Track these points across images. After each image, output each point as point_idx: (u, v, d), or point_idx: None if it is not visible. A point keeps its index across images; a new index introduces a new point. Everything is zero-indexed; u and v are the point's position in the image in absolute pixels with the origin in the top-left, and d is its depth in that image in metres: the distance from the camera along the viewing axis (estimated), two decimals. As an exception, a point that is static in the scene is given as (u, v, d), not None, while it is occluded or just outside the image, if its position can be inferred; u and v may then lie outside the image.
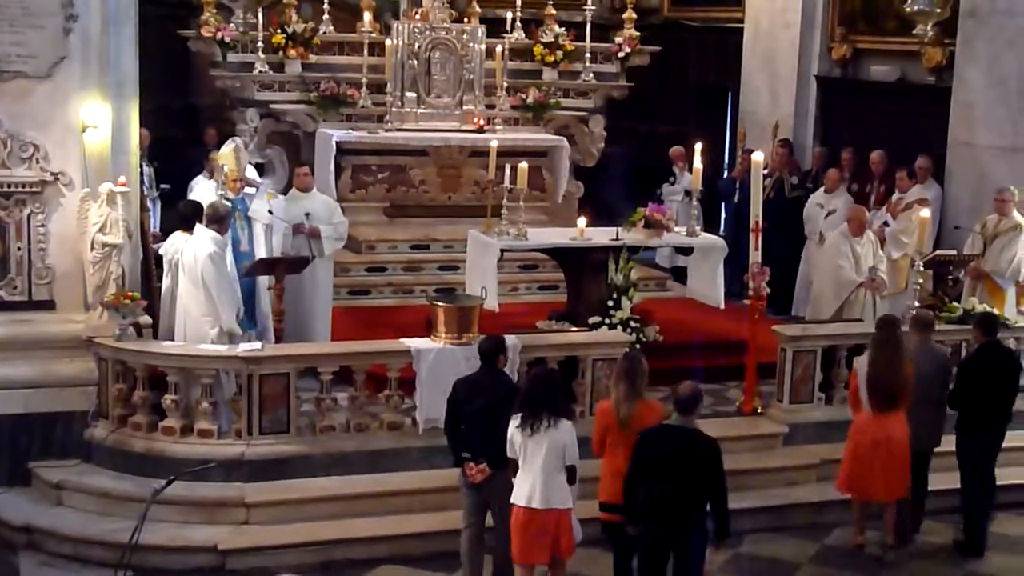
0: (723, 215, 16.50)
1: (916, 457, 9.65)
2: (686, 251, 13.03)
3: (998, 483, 10.09)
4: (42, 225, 10.12)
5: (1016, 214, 11.98)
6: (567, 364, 10.24)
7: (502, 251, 11.82)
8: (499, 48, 15.00)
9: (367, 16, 15.10)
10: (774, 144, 15.29)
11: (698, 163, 12.40)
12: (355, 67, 14.80)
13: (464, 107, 15.06)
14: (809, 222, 14.04)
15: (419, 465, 9.86)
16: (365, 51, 14.75)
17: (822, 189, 14.16)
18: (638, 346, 10.82)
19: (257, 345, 9.99)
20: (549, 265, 13.73)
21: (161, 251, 10.57)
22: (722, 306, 12.40)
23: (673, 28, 19.12)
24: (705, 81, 19.11)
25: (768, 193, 13.85)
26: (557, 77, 15.70)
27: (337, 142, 14.30)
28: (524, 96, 15.32)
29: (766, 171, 13.42)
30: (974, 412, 9.70)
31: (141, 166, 11.71)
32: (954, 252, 12.33)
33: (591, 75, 15.77)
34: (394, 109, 14.74)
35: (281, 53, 14.53)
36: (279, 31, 14.49)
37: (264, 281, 11.07)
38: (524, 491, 7.90)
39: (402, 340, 10.10)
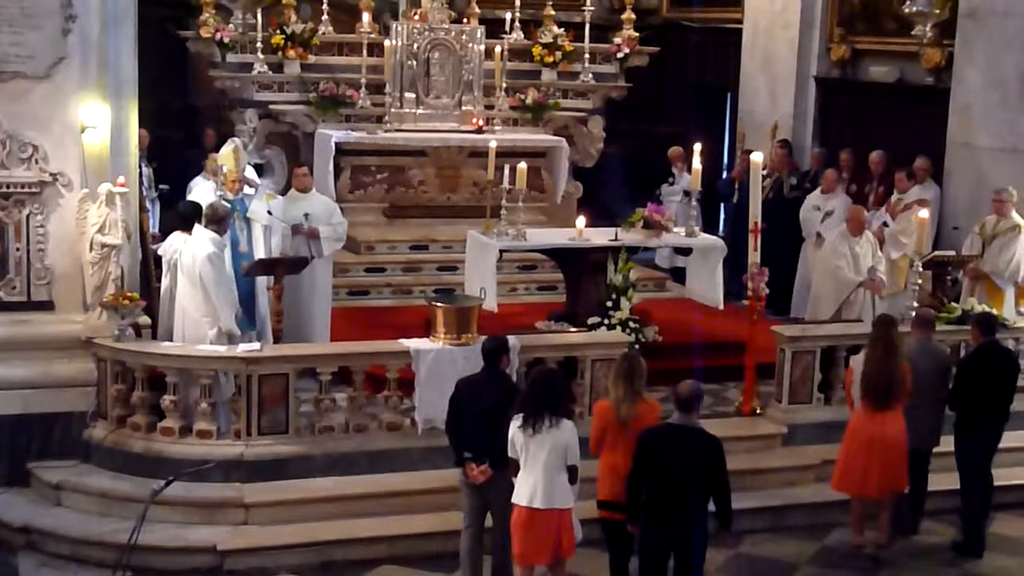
0: (722, 215, 16.51)
1: (915, 456, 9.68)
2: (685, 252, 13.05)
3: (998, 483, 10.12)
4: (41, 226, 10.11)
5: (1014, 215, 11.99)
6: (566, 365, 10.24)
7: (501, 252, 11.82)
8: (498, 49, 15.01)
9: (366, 17, 15.10)
10: (773, 144, 15.30)
11: (697, 164, 12.40)
12: (354, 68, 14.80)
13: (463, 108, 15.06)
14: (806, 224, 14.05)
15: (418, 466, 9.86)
16: (364, 52, 14.76)
17: (819, 190, 14.17)
18: (637, 346, 10.82)
19: (256, 346, 9.99)
20: (548, 266, 13.73)
21: (160, 252, 10.57)
22: (721, 307, 12.40)
23: (672, 29, 19.14)
24: (704, 82, 19.11)
25: (767, 194, 13.86)
26: (556, 78, 15.70)
27: (336, 143, 14.30)
28: (523, 97, 15.32)
29: (765, 172, 13.42)
30: (972, 411, 9.71)
31: (140, 166, 11.70)
32: (953, 253, 12.35)
33: (590, 76, 15.78)
34: (393, 110, 14.75)
35: (280, 54, 14.54)
36: (278, 32, 14.49)
37: (263, 281, 11.06)
38: (526, 491, 7.91)
39: (401, 341, 10.11)
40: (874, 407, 9.37)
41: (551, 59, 15.56)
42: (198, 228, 10.13)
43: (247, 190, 11.28)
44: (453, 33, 15.02)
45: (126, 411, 9.92)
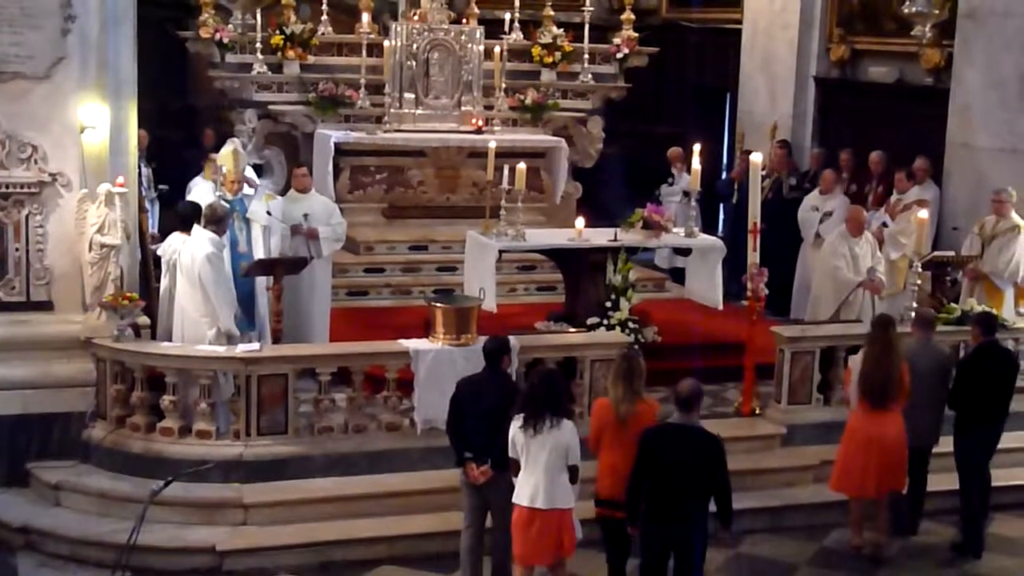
0: (721, 216, 16.51)
1: (914, 454, 9.68)
2: (684, 252, 13.05)
3: (997, 484, 10.11)
4: (40, 226, 10.11)
5: (1014, 215, 11.99)
6: (565, 365, 10.24)
7: (500, 252, 11.82)
8: (497, 49, 15.00)
9: (365, 17, 15.10)
10: (772, 145, 15.31)
11: (696, 164, 12.40)
12: (353, 68, 14.80)
13: (462, 108, 15.06)
14: (804, 224, 14.05)
15: (417, 466, 9.86)
16: (364, 52, 14.76)
17: (817, 191, 14.17)
18: (636, 347, 10.82)
19: (255, 346, 9.99)
20: (547, 266, 13.73)
21: (159, 252, 10.57)
22: (720, 307, 12.41)
23: (671, 29, 19.15)
24: (703, 82, 19.12)
25: (766, 194, 13.86)
26: (555, 78, 15.70)
27: (335, 143, 14.30)
28: (522, 97, 15.32)
29: (764, 172, 13.43)
30: (972, 411, 9.71)
31: (139, 167, 11.70)
32: (952, 253, 12.34)
33: (589, 76, 15.77)
34: (392, 110, 14.75)
35: (279, 54, 14.54)
36: (277, 32, 14.50)
37: (262, 282, 11.06)
38: (527, 491, 7.92)
39: (400, 341, 10.11)
40: (872, 407, 9.39)
41: (550, 59, 15.57)
42: (197, 228, 10.13)
43: (247, 190, 11.28)
44: (452, 33, 15.02)
45: (125, 411, 9.92)
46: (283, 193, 12.45)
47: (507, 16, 15.50)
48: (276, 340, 10.84)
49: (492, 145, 12.83)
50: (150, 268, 10.93)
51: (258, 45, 14.39)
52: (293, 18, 14.70)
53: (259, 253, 11.15)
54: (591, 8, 15.83)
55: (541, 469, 7.88)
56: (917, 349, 9.80)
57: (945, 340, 10.63)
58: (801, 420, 10.83)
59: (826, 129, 16.08)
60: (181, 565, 9.05)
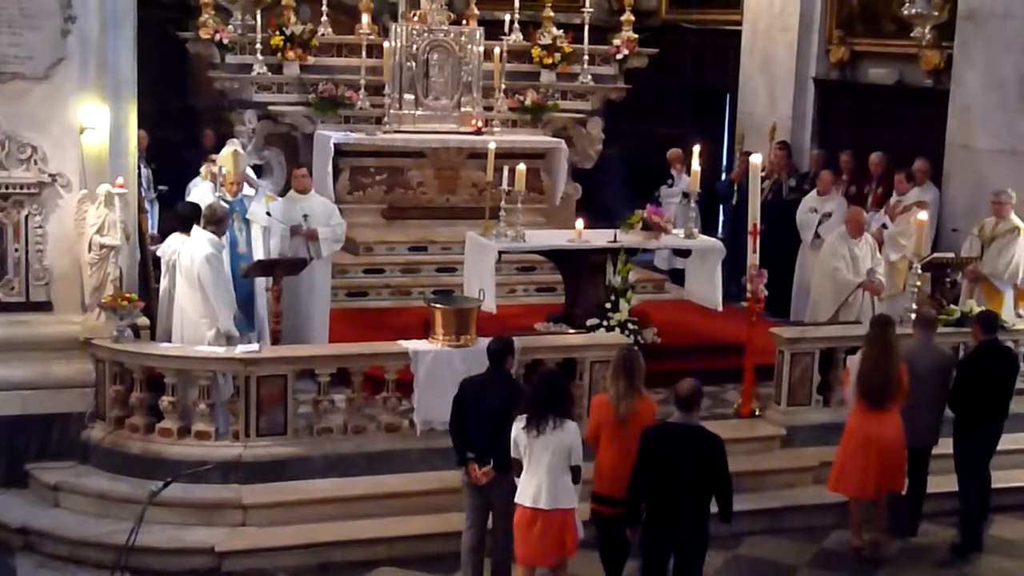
0: (721, 217, 16.50)
1: (914, 455, 9.69)
2: (684, 253, 13.05)
3: (997, 485, 10.12)
4: (40, 226, 10.11)
5: (1014, 217, 11.99)
6: (565, 366, 10.23)
7: (500, 253, 11.82)
8: (497, 50, 15.00)
9: (365, 18, 15.12)
10: (772, 146, 15.31)
11: (696, 165, 12.40)
12: (353, 69, 14.80)
13: (462, 109, 15.06)
14: (803, 226, 14.04)
15: (417, 467, 9.86)
16: (363, 53, 14.76)
17: (815, 192, 14.17)
18: (635, 347, 10.81)
19: (254, 347, 9.99)
20: (547, 267, 13.73)
21: (159, 253, 10.57)
22: (720, 308, 12.41)
23: (671, 30, 19.14)
24: (703, 83, 19.12)
25: (766, 195, 13.87)
26: (555, 79, 15.70)
27: (335, 144, 14.30)
28: (522, 98, 15.32)
29: (764, 173, 13.43)
30: (972, 411, 9.71)
31: (139, 167, 11.70)
32: (952, 255, 12.34)
33: (589, 77, 15.78)
34: (392, 111, 14.76)
35: (279, 55, 14.55)
36: (277, 33, 14.50)
37: (262, 283, 11.06)
38: (530, 492, 7.93)
39: (400, 342, 10.11)
40: (870, 407, 9.39)
41: (550, 60, 15.57)
42: (196, 229, 10.12)
43: (247, 191, 11.29)
44: (452, 34, 15.02)
45: (124, 412, 9.91)
46: (283, 194, 12.44)
47: (507, 17, 15.50)
48: (275, 341, 10.84)
49: (492, 146, 12.83)
50: (149, 269, 10.92)
51: (258, 46, 14.39)
52: (293, 19, 14.70)
53: (259, 254, 11.16)
54: (591, 9, 15.84)
55: (544, 469, 7.89)
56: (917, 349, 9.80)
57: (945, 342, 10.63)
58: (801, 421, 10.83)
59: (826, 131, 16.08)
60: (180, 566, 9.05)
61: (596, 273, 12.04)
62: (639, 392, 8.36)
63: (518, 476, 8.04)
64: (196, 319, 10.02)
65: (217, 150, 12.10)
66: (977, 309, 11.21)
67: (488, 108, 15.21)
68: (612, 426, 8.32)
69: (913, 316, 10.58)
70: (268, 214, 11.25)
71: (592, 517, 8.52)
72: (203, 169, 12.15)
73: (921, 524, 10.10)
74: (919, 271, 11.38)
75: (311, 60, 14.76)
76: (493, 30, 15.43)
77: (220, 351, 9.83)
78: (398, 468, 9.87)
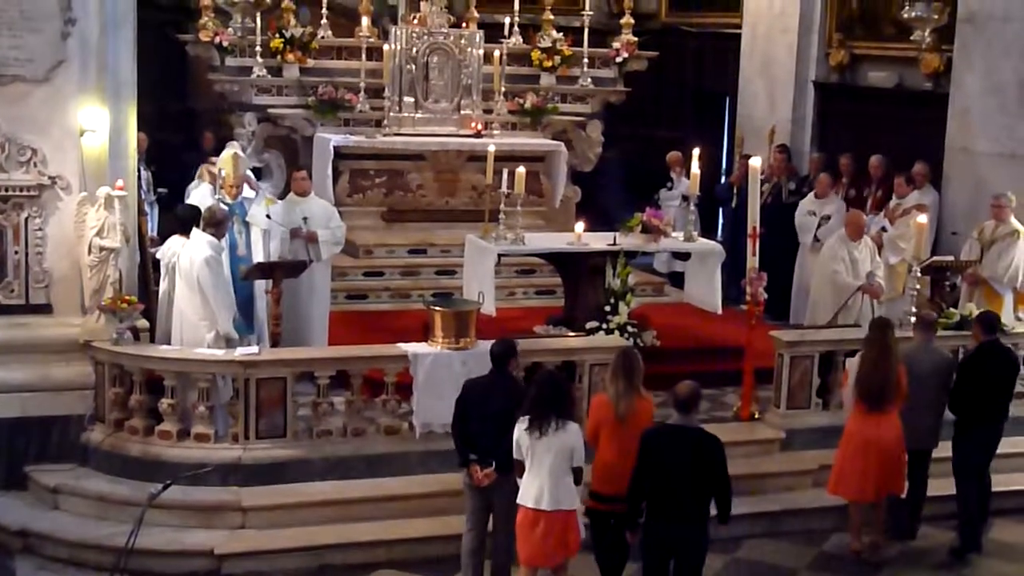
0: (720, 220, 16.50)
1: (914, 456, 9.69)
2: (683, 256, 13.05)
3: (997, 489, 10.11)
4: (39, 229, 10.11)
5: (1013, 220, 11.99)
6: (564, 369, 10.23)
7: (499, 256, 11.81)
8: (497, 53, 15.00)
9: (365, 21, 15.13)
10: (771, 149, 15.31)
11: (696, 168, 12.40)
12: (353, 72, 14.80)
13: (462, 112, 15.07)
14: (801, 229, 14.04)
15: (416, 469, 9.86)
16: (363, 56, 14.76)
17: (812, 195, 14.18)
18: (634, 348, 10.81)
19: (254, 349, 9.99)
20: (546, 270, 13.73)
21: (158, 255, 10.56)
22: (719, 311, 12.40)
23: (671, 33, 19.14)
24: (703, 86, 19.11)
25: (766, 198, 13.87)
26: (555, 82, 15.71)
27: (335, 146, 14.31)
28: (522, 101, 15.32)
29: (763, 176, 13.43)
30: (973, 412, 9.71)
31: (139, 170, 11.69)
32: (951, 258, 12.35)
33: (589, 80, 15.79)
34: (392, 114, 14.76)
35: (279, 57, 14.54)
36: (277, 35, 14.49)
37: (261, 285, 11.06)
38: (532, 492, 7.95)
39: (399, 345, 10.11)
40: (869, 410, 9.40)
41: (550, 63, 15.58)
42: (196, 232, 10.12)
43: (247, 193, 11.28)
44: (452, 37, 15.02)
45: (124, 414, 9.92)
46: (282, 196, 12.44)
47: (507, 20, 15.50)
48: (275, 343, 10.83)
49: (491, 149, 12.84)
50: (149, 271, 10.92)
51: (258, 48, 14.40)
52: (293, 22, 14.69)
53: (258, 256, 11.15)
54: (591, 12, 15.85)
55: (546, 471, 7.91)
56: (917, 352, 9.81)
57: (944, 345, 10.63)
58: (800, 424, 10.83)
59: (825, 134, 16.08)
60: (179, 568, 9.05)
61: (595, 276, 12.04)
62: (638, 391, 8.40)
63: (520, 477, 8.05)
64: (195, 321, 10.02)
65: (217, 153, 12.09)
66: (976, 312, 11.21)
67: (488, 111, 15.21)
68: (611, 425, 8.36)
69: (913, 319, 10.58)
70: (268, 217, 11.25)
71: (587, 514, 8.52)
72: (202, 170, 12.14)
73: (920, 527, 10.09)
74: (918, 274, 11.37)
75: (311, 63, 14.76)
76: (493, 33, 15.43)
77: (219, 353, 9.83)
78: (397, 471, 9.87)
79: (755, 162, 11.41)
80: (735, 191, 15.14)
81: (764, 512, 10.10)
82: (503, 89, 15.18)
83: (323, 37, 15.05)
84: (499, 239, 11.90)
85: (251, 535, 9.33)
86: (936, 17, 13.55)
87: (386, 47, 14.69)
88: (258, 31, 14.37)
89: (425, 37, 14.90)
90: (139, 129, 10.96)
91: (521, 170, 12.02)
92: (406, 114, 14.83)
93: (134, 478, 9.54)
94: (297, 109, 14.75)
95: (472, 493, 8.52)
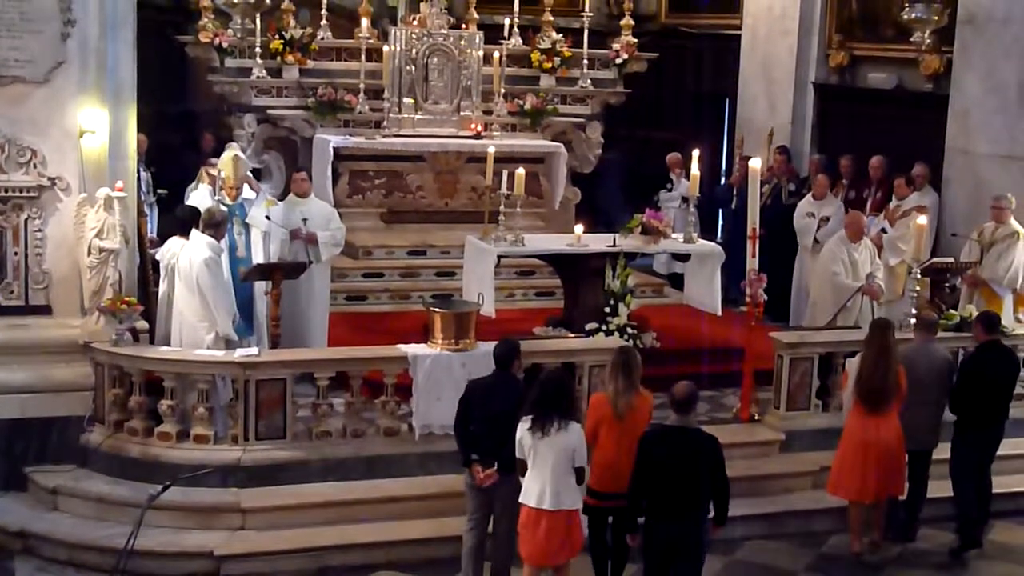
0: (720, 222, 16.50)
1: (914, 456, 9.69)
2: (683, 258, 13.03)
3: (998, 491, 10.09)
4: (39, 230, 10.11)
5: (1013, 221, 11.99)
6: (564, 370, 10.22)
7: (499, 257, 11.81)
8: (497, 54, 15.00)
9: (365, 22, 15.11)
10: (770, 151, 15.31)
11: (695, 170, 12.39)
12: (353, 73, 14.79)
13: (461, 113, 15.06)
14: (801, 231, 14.04)
15: (415, 471, 9.86)
16: (363, 57, 14.75)
17: (810, 196, 14.18)
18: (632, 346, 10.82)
19: (254, 350, 9.98)
20: (546, 271, 13.73)
21: (158, 256, 10.57)
22: (719, 313, 12.40)
23: (671, 35, 19.14)
24: (703, 88, 19.11)
25: (765, 200, 13.87)
26: (555, 83, 15.69)
27: (334, 148, 14.29)
28: (521, 102, 15.31)
29: (763, 178, 13.42)
30: (973, 412, 9.71)
31: (138, 171, 11.69)
32: (951, 259, 12.34)
33: (588, 81, 15.78)
34: (391, 115, 14.75)
35: (279, 59, 14.53)
36: (277, 37, 14.49)
37: (261, 286, 11.05)
38: (534, 492, 7.97)
39: (399, 346, 10.11)
40: (868, 410, 9.40)
41: (550, 65, 15.57)
42: (195, 233, 10.13)
43: (247, 194, 11.29)
44: (452, 38, 15.02)
45: (123, 416, 9.91)
46: (282, 197, 12.43)
47: (506, 21, 15.50)
48: (274, 345, 10.82)
49: (491, 150, 12.84)
50: (148, 272, 10.92)
51: (257, 50, 14.39)
52: (292, 23, 14.69)
53: (258, 258, 11.15)
54: (590, 13, 15.84)
55: (548, 470, 7.93)
56: (917, 352, 9.81)
57: (944, 346, 10.62)
58: (800, 426, 10.83)
59: (825, 135, 16.07)
60: (179, 570, 9.05)
61: (595, 277, 12.03)
62: (637, 389, 8.43)
63: (523, 476, 8.06)
64: (195, 323, 10.03)
65: (216, 154, 12.09)
66: (976, 314, 11.22)
67: (487, 112, 15.20)
68: (610, 423, 8.38)
69: (912, 320, 10.59)
70: (267, 218, 11.25)
71: (584, 511, 8.53)
72: (202, 172, 12.14)
73: (920, 529, 10.09)
74: (918, 276, 11.38)
75: (310, 64, 14.75)
76: (492, 34, 15.43)
77: (219, 355, 9.83)
78: (397, 472, 9.87)
79: (755, 163, 11.41)
80: (735, 192, 15.14)
81: (764, 513, 10.10)
82: (503, 90, 15.17)
83: (323, 38, 15.05)
84: (499, 240, 11.90)
85: (250, 536, 9.33)
86: (936, 19, 13.55)
87: (386, 48, 14.69)
88: (258, 32, 14.37)
89: (425, 38, 14.89)
90: (139, 130, 10.95)
91: (521, 171, 12.03)
92: (406, 115, 14.83)
93: (134, 479, 9.54)
94: (297, 110, 14.74)
95: (474, 493, 8.53)
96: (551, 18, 15.89)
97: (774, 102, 16.35)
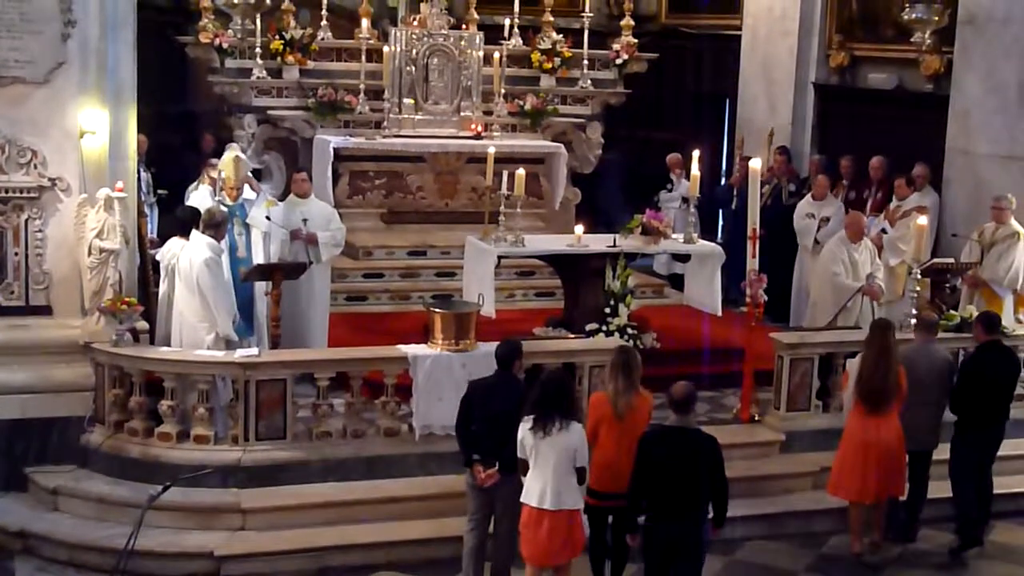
0: (720, 222, 16.51)
1: (914, 457, 9.69)
2: (683, 258, 13.03)
3: (998, 491, 10.09)
4: (39, 230, 10.11)
5: (1013, 222, 11.99)
6: (564, 370, 10.23)
7: (499, 257, 11.81)
8: (497, 55, 15.00)
9: (365, 23, 15.12)
10: (771, 151, 15.31)
11: (696, 170, 12.39)
12: (353, 73, 14.79)
13: (462, 113, 15.06)
14: (801, 232, 14.03)
15: (415, 471, 9.86)
16: (363, 57, 14.75)
17: (809, 196, 14.17)
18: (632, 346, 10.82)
19: (254, 351, 9.98)
20: (546, 272, 13.73)
21: (158, 257, 10.57)
22: (719, 313, 12.40)
23: (671, 35, 19.15)
24: (703, 88, 19.12)
25: (765, 200, 13.87)
26: (555, 84, 15.69)
27: (335, 148, 14.30)
28: (522, 103, 15.31)
29: (764, 178, 13.42)
30: (973, 413, 9.71)
31: (139, 171, 11.70)
32: (951, 260, 12.34)
33: (589, 82, 15.78)
34: (391, 115, 14.75)
35: (279, 59, 14.53)
36: (277, 37, 14.49)
37: (261, 287, 11.05)
38: (536, 492, 7.98)
39: (399, 346, 10.11)
40: (869, 411, 9.40)
41: (550, 65, 15.57)
42: (195, 233, 10.13)
43: (248, 194, 11.29)
44: (452, 39, 15.02)
45: (124, 416, 9.91)
46: (282, 198, 12.44)
47: (507, 22, 15.51)
48: (275, 345, 10.83)
49: (491, 151, 12.84)
50: (149, 273, 10.92)
51: (258, 50, 14.39)
52: (293, 23, 14.69)
53: (258, 258, 11.15)
54: (591, 14, 15.85)
55: (550, 470, 7.94)
56: (918, 352, 9.81)
57: (944, 347, 10.62)
58: (800, 427, 10.83)
59: (825, 135, 16.07)
60: (179, 570, 9.05)
61: (595, 278, 12.03)
62: (637, 389, 8.44)
63: (524, 476, 8.07)
64: (195, 323, 10.03)
65: (216, 154, 12.09)
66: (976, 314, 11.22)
67: (488, 113, 15.20)
68: (610, 423, 8.39)
69: (913, 321, 10.59)
70: (267, 218, 11.25)
71: (584, 511, 8.53)
72: (204, 174, 12.14)
73: (920, 529, 10.08)
74: (919, 276, 11.38)
75: (311, 64, 14.75)
76: (493, 35, 15.43)
77: (219, 355, 9.83)
78: (397, 472, 9.87)
79: (755, 164, 11.42)
80: (735, 193, 15.14)
81: (764, 514, 10.10)
82: (503, 91, 15.17)
83: (323, 39, 15.05)
84: (499, 241, 11.90)
85: (251, 537, 9.33)
86: (936, 19, 13.55)
87: (386, 49, 14.69)
88: (258, 33, 14.37)
89: (425, 39, 14.89)
90: (139, 131, 10.95)
91: (521, 172, 12.03)
92: (406, 116, 14.83)
93: (134, 480, 9.54)
94: (297, 111, 14.75)
95: (475, 493, 8.54)
96: (551, 18, 15.90)
97: (774, 102, 16.36)
